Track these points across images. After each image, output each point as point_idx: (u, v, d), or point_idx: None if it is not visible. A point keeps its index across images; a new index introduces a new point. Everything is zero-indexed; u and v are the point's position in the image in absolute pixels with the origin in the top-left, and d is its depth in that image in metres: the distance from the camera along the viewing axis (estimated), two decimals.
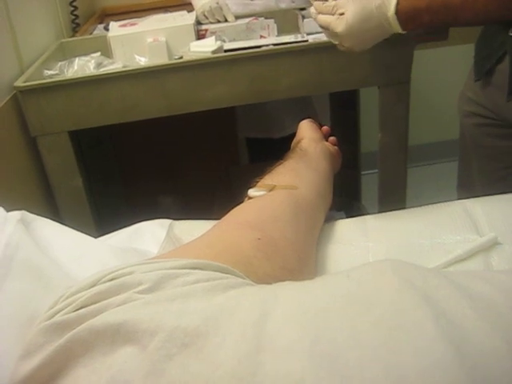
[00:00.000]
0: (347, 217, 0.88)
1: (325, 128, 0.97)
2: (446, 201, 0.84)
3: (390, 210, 0.86)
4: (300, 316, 0.40)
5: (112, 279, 0.47)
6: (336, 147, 0.93)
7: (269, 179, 0.76)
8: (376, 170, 1.39)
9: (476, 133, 1.10)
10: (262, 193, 0.71)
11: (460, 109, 1.18)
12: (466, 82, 1.16)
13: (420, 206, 0.84)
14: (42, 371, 0.43)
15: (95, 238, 0.77)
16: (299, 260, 0.62)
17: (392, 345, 0.36)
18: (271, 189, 0.71)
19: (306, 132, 0.92)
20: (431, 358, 0.35)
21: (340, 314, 0.40)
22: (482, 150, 1.09)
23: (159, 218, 0.86)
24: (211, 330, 0.40)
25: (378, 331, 0.37)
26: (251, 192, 0.72)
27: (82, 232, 0.74)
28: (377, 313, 0.39)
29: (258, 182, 0.76)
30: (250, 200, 0.71)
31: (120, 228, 0.85)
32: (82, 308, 0.45)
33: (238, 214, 0.67)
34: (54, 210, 1.27)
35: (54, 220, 0.74)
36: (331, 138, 0.95)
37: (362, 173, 1.97)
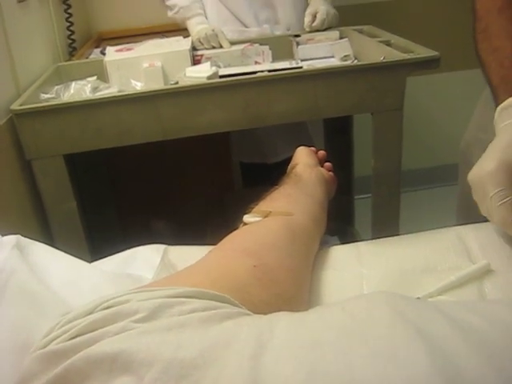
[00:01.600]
0: (340, 241, 0.88)
1: (321, 153, 0.97)
2: (439, 225, 0.84)
3: (384, 235, 0.86)
4: (296, 349, 0.40)
5: (108, 307, 0.47)
6: (331, 173, 0.93)
7: (264, 205, 0.76)
8: (369, 195, 1.40)
9: None
10: (257, 219, 0.71)
11: (472, 153, 1.10)
12: (486, 126, 1.10)
13: (413, 230, 0.85)
14: None
15: (88, 261, 0.76)
16: (295, 287, 0.62)
17: (387, 378, 0.36)
18: (266, 215, 0.72)
19: (301, 157, 0.92)
20: None
21: (335, 347, 0.40)
22: None
23: (153, 242, 0.86)
24: (208, 362, 0.40)
25: (372, 364, 0.38)
26: (246, 218, 0.72)
27: (75, 255, 0.74)
28: (371, 346, 0.39)
29: (253, 207, 0.76)
30: (246, 226, 0.71)
31: (113, 252, 0.85)
32: (77, 336, 0.44)
33: (233, 241, 0.67)
34: (47, 233, 1.27)
35: (47, 243, 0.73)
36: (326, 164, 0.95)
37: (356, 197, 1.98)
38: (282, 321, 0.45)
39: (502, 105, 0.69)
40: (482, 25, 0.79)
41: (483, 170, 0.65)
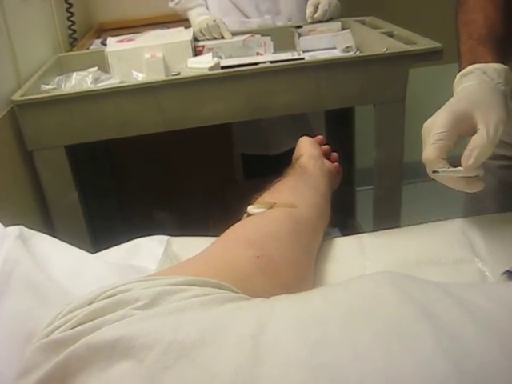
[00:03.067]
0: (342, 233, 0.88)
1: (325, 147, 0.97)
2: (440, 218, 0.84)
3: (385, 227, 0.86)
4: (298, 327, 0.40)
5: (110, 296, 0.47)
6: (336, 164, 0.93)
7: (268, 196, 0.76)
8: (371, 187, 1.39)
9: (505, 173, 1.08)
10: (261, 210, 0.71)
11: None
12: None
13: (414, 222, 0.85)
14: None
15: (90, 252, 0.76)
16: (298, 279, 0.62)
17: (392, 358, 0.36)
18: (271, 206, 0.71)
19: (306, 148, 0.92)
20: (431, 373, 0.35)
21: (338, 325, 0.40)
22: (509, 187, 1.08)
23: (155, 233, 0.86)
24: (207, 342, 0.40)
25: (377, 343, 0.37)
26: (251, 209, 0.72)
27: (77, 246, 0.74)
28: (376, 325, 0.39)
29: (257, 198, 0.76)
30: (250, 217, 0.71)
31: (115, 243, 0.85)
32: (79, 325, 0.45)
33: (237, 232, 0.67)
34: (49, 224, 1.26)
35: (49, 234, 0.73)
36: (333, 155, 0.95)
37: (357, 189, 1.97)
38: (283, 301, 0.45)
39: (461, 72, 0.74)
40: None
41: (432, 119, 0.69)
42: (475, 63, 0.72)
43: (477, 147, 0.65)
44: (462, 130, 0.68)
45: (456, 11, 0.84)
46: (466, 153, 0.66)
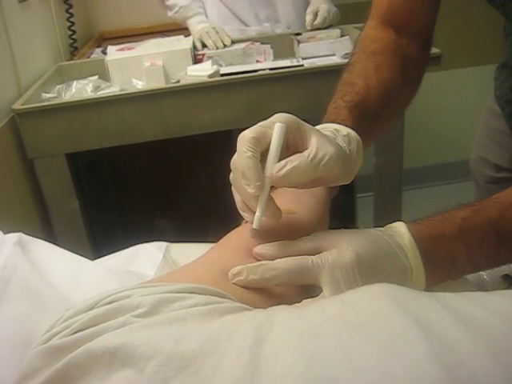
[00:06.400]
0: None
1: None
2: None
3: None
4: (295, 340, 0.40)
5: (110, 302, 0.47)
6: None
7: None
8: (371, 193, 1.40)
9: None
10: None
11: (479, 172, 1.15)
12: (487, 146, 1.12)
13: None
14: None
15: (91, 260, 0.76)
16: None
17: (386, 369, 0.36)
18: None
19: None
20: (425, 381, 0.35)
21: (334, 338, 0.40)
22: None
23: (155, 240, 0.86)
24: (207, 354, 0.40)
25: (371, 355, 0.38)
26: None
27: (77, 253, 0.74)
28: (370, 337, 0.39)
29: None
30: (247, 224, 0.71)
31: (116, 250, 0.85)
32: (79, 331, 0.45)
33: (235, 238, 0.67)
34: (49, 232, 1.27)
35: (49, 241, 0.73)
36: None
37: (358, 196, 1.97)
38: (282, 313, 0.45)
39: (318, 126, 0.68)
40: (352, 58, 0.82)
41: None
42: (334, 122, 0.68)
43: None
44: None
45: (342, 69, 0.82)
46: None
